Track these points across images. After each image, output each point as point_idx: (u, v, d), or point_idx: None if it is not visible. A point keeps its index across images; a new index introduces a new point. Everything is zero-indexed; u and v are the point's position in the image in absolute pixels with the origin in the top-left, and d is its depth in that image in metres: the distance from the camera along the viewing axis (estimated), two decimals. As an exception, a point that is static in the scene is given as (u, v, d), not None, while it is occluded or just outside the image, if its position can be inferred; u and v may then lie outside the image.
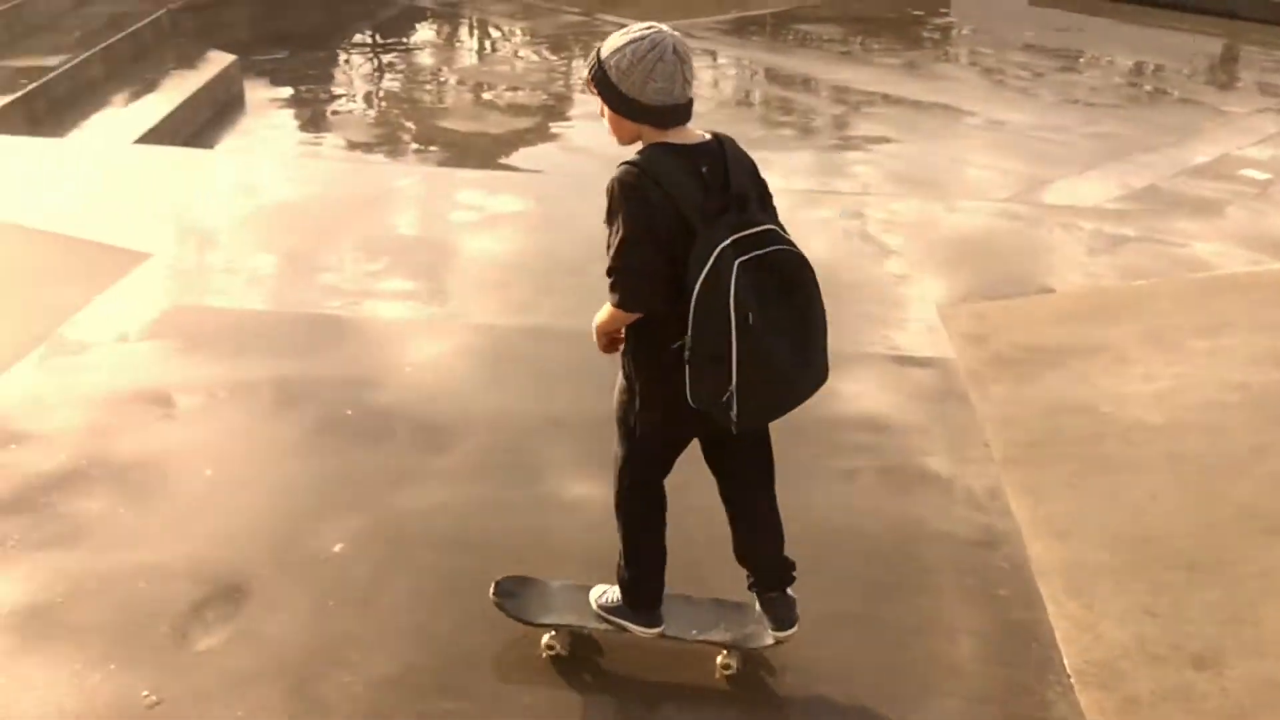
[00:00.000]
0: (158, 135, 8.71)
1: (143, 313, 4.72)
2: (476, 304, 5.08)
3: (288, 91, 11.31)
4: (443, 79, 12.65)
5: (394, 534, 3.31)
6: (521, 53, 13.89)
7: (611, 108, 2.44)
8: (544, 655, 2.85)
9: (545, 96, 11.63)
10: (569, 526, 3.38)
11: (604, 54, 2.41)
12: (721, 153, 2.43)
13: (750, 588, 2.78)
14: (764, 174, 2.51)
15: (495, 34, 15.14)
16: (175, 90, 9.89)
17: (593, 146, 9.39)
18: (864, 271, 5.59)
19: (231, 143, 9.76)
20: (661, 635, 2.82)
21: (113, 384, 4.15)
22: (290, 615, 2.97)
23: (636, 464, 2.69)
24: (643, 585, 2.79)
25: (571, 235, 5.72)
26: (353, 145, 9.58)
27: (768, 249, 2.34)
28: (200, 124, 9.68)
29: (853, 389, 4.28)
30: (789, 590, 2.76)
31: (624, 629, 2.82)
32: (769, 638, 2.77)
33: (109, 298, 4.83)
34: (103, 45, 10.30)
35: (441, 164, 9.18)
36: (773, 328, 2.34)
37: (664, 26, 2.41)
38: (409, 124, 10.46)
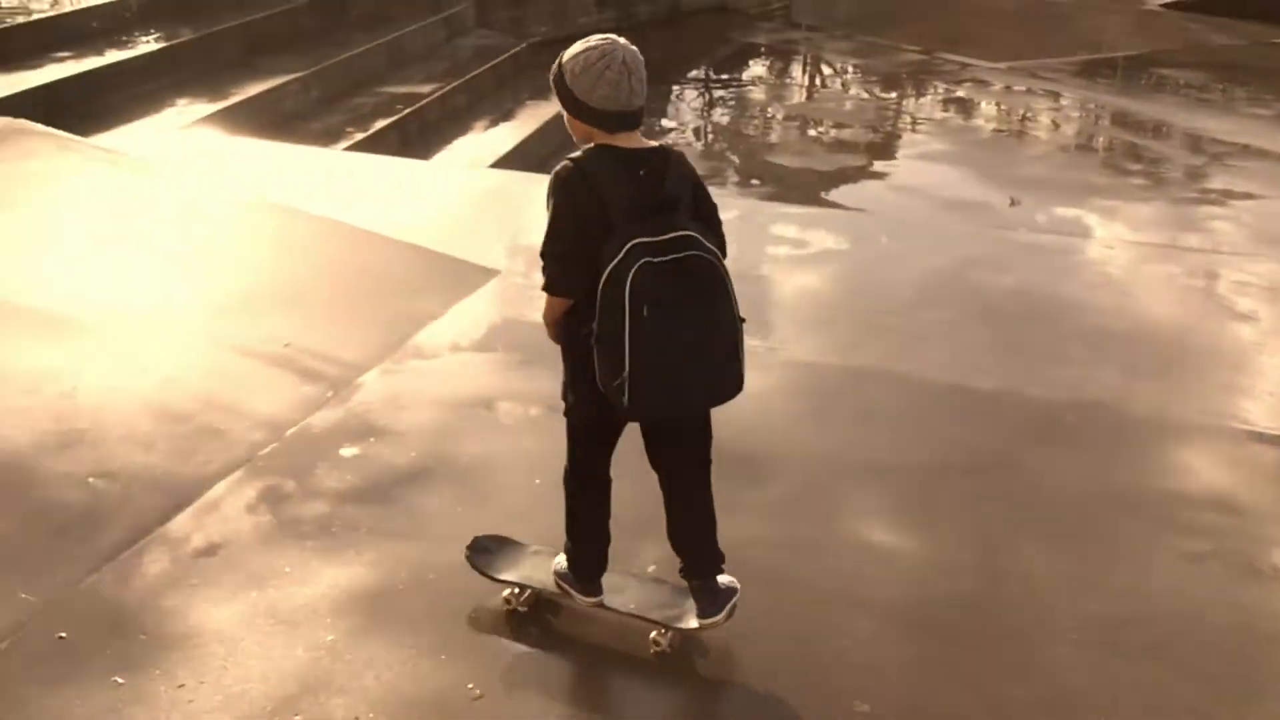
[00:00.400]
0: (511, 160, 9.37)
1: (489, 325, 5.09)
2: (798, 340, 5.10)
3: (627, 122, 11.83)
4: (771, 114, 12.83)
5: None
6: (853, 90, 13.87)
7: (565, 108, 2.67)
8: (504, 609, 3.14)
9: (874, 135, 11.54)
10: (876, 576, 3.32)
11: (564, 59, 2.62)
12: (664, 162, 2.63)
13: (680, 573, 2.96)
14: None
15: (828, 71, 15.19)
16: (529, 119, 10.61)
17: (922, 187, 9.22)
18: (1214, 336, 5.16)
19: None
20: (599, 605, 3.05)
21: (459, 389, 4.49)
22: (603, 626, 3.09)
23: (576, 445, 2.94)
24: (582, 558, 3.04)
25: (896, 276, 5.64)
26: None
27: (682, 253, 2.53)
28: (549, 151, 10.31)
29: (1199, 463, 3.95)
30: (721, 579, 2.92)
31: (568, 594, 3.07)
32: (694, 622, 2.94)
33: (461, 310, 5.23)
34: (468, 76, 11.21)
35: (765, 198, 9.31)
36: (670, 325, 2.52)
37: (619, 39, 2.62)
38: (734, 157, 10.69)
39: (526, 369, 4.67)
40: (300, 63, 10.19)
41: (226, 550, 3.40)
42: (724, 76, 14.48)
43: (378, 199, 7.11)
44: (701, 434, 2.88)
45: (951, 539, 3.42)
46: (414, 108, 10.04)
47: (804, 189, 9.63)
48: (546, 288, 2.68)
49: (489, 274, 5.67)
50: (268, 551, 3.39)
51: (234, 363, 4.59)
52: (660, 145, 2.68)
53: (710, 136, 11.65)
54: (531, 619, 3.15)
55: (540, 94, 11.45)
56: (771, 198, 9.32)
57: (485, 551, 3.24)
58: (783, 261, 6.06)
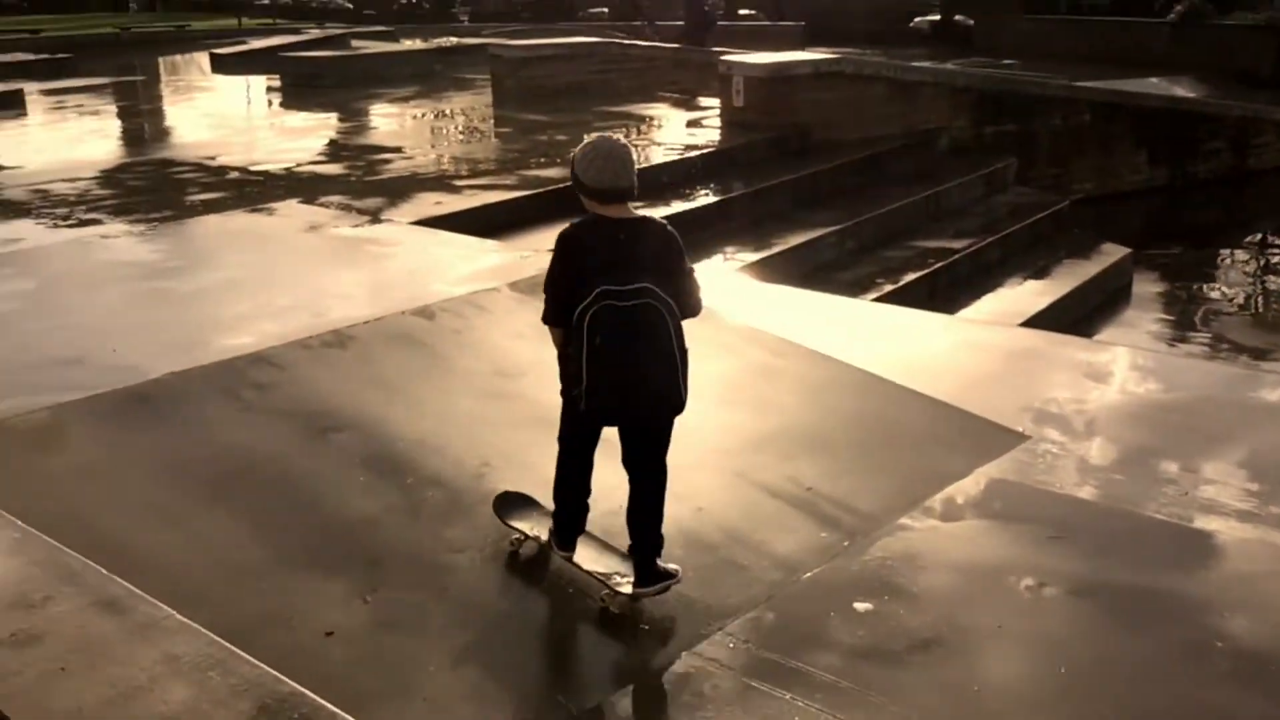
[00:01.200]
0: (1043, 319, 9.06)
1: (1016, 493, 4.87)
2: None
3: (1174, 287, 11.02)
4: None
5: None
6: None
7: (575, 188, 3.70)
8: (509, 548, 4.19)
9: None
10: None
11: (574, 153, 3.70)
12: (642, 228, 3.63)
13: (629, 549, 3.87)
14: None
15: None
16: (1066, 278, 10.25)
17: None
18: None
19: (1111, 334, 9.76)
20: (568, 559, 4.02)
21: (979, 557, 4.32)
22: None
23: (564, 433, 3.96)
24: (559, 521, 4.03)
25: None
26: (1235, 348, 8.98)
27: (635, 301, 3.44)
28: (1084, 312, 9.86)
29: None
30: (658, 563, 3.81)
31: (554, 550, 4.04)
32: (628, 589, 3.82)
33: (986, 472, 5.07)
34: (1003, 232, 11.09)
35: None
36: (617, 352, 3.46)
37: (612, 137, 3.70)
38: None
39: (1054, 545, 4.40)
40: (839, 216, 10.67)
41: (720, 687, 3.49)
42: (1291, 240, 13.08)
43: (903, 350, 7.15)
44: (655, 447, 3.82)
45: None
46: (945, 262, 10.08)
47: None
48: (544, 319, 3.79)
49: (1016, 437, 5.46)
50: (771, 693, 3.44)
51: (759, 500, 4.78)
52: (644, 216, 3.71)
53: (1259, 303, 10.49)
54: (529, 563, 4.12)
55: (1080, 252, 11.03)
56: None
57: (509, 504, 4.30)
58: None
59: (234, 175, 11.19)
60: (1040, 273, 10.60)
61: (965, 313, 9.59)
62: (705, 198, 10.61)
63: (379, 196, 9.92)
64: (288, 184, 10.66)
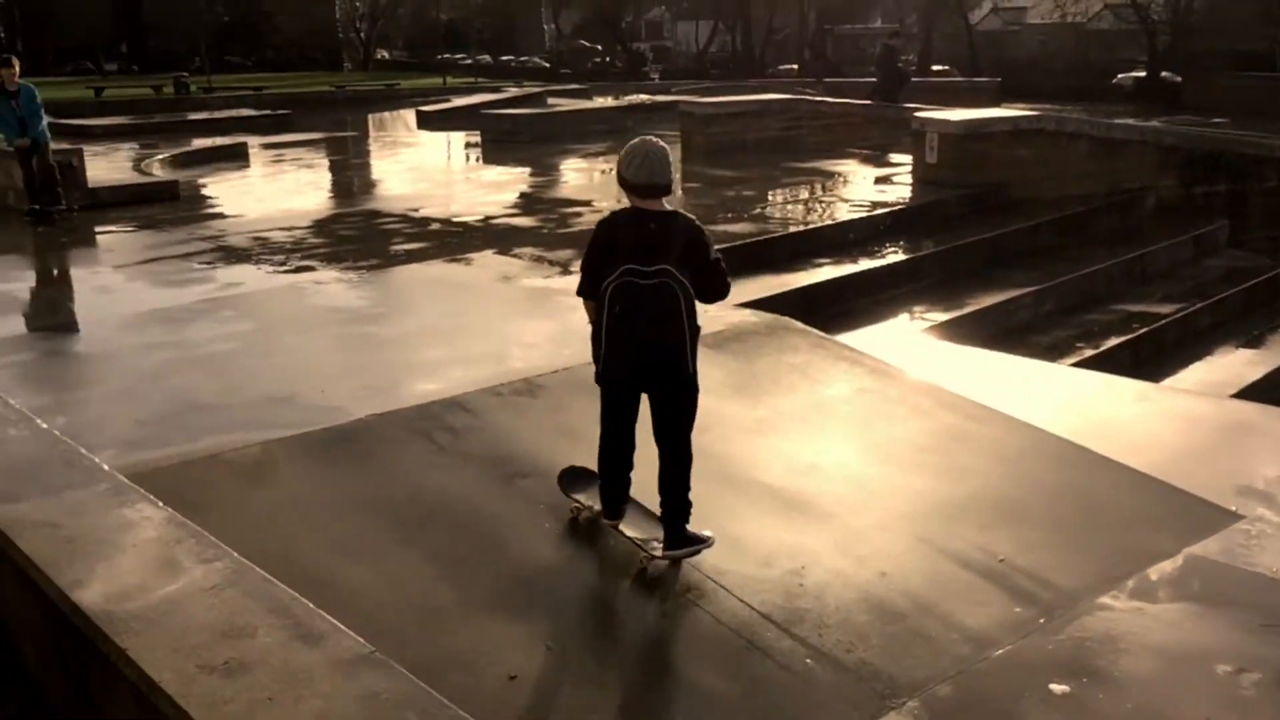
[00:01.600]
0: (1257, 391, 8.49)
1: (1228, 575, 4.56)
2: None
3: None
4: None
5: None
6: None
7: (619, 184, 4.25)
8: (570, 516, 4.71)
9: None
10: None
11: (625, 152, 4.22)
12: (671, 220, 4.16)
13: (660, 516, 4.35)
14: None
15: None
16: (1278, 347, 9.60)
17: None
18: None
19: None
20: (614, 526, 4.50)
21: (1187, 644, 4.05)
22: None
23: (603, 408, 4.40)
24: (604, 492, 4.53)
25: None
26: None
27: (655, 280, 4.02)
28: (1303, 385, 9.21)
29: None
30: (688, 528, 4.30)
31: (603, 520, 4.54)
32: (658, 550, 4.32)
33: (1195, 552, 4.77)
34: (1215, 297, 10.49)
35: None
36: (631, 319, 4.07)
37: (651, 139, 4.24)
38: None
39: (1266, 634, 4.08)
40: (1036, 276, 10.31)
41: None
42: None
43: (1104, 418, 6.82)
44: (674, 419, 4.31)
45: None
46: (1151, 327, 9.60)
47: None
48: (578, 292, 4.37)
49: (1227, 516, 5.12)
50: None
51: (948, 569, 4.62)
52: (675, 211, 4.23)
53: None
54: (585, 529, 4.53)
55: (1299, 321, 10.33)
56: None
57: (573, 476, 4.81)
58: None
59: (435, 226, 11.69)
60: (1254, 341, 9.96)
61: (1171, 381, 9.08)
62: (894, 255, 10.45)
63: (570, 249, 10.16)
64: (484, 235, 11.06)
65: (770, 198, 13.31)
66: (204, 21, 50.65)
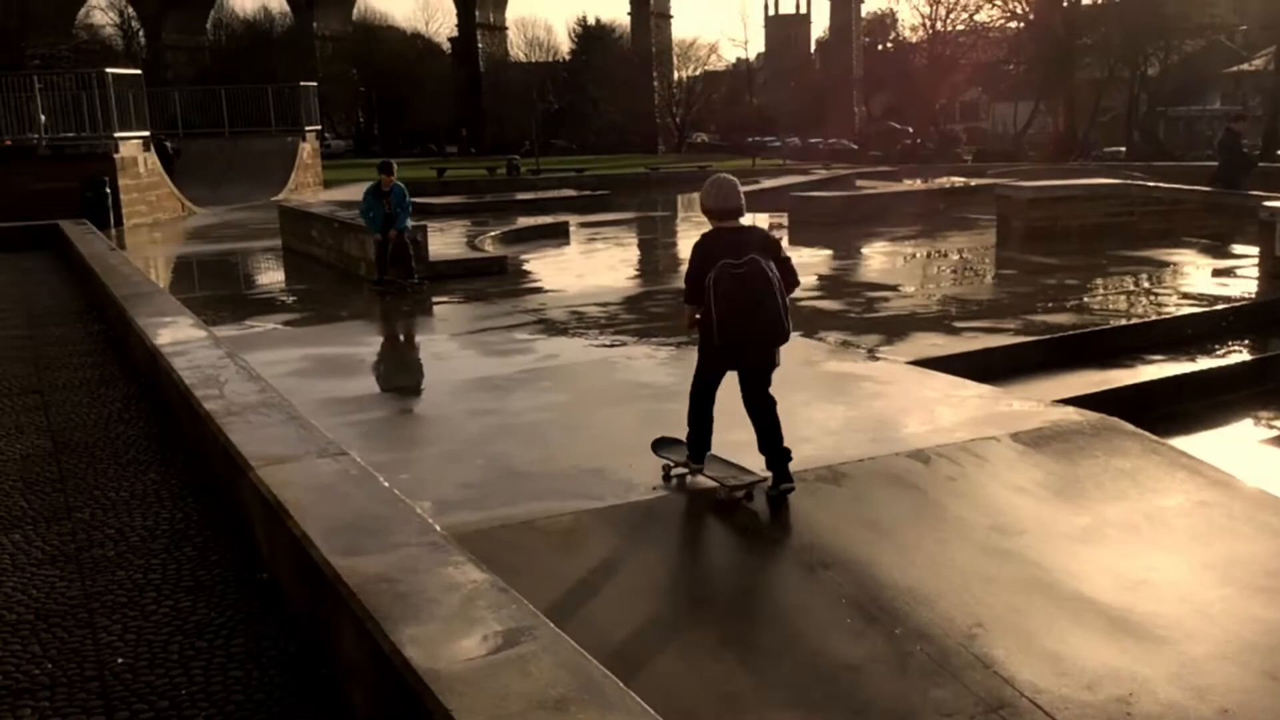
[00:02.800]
0: None
1: None
2: None
3: None
4: None
5: None
6: None
7: (703, 212, 5.60)
8: (662, 470, 5.85)
9: None
10: None
11: (703, 187, 5.64)
12: (748, 231, 5.57)
13: (765, 465, 5.61)
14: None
15: None
16: None
17: None
18: None
19: None
20: (701, 471, 5.74)
21: None
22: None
23: (700, 373, 5.70)
24: (694, 442, 5.76)
25: None
26: None
27: (746, 267, 5.29)
28: None
29: None
30: (784, 469, 5.55)
31: (690, 466, 5.77)
32: (745, 479, 5.66)
33: None
34: None
35: None
36: (737, 294, 5.28)
37: (724, 175, 5.74)
38: None
39: None
40: None
41: None
42: None
43: None
44: (761, 382, 5.60)
45: None
46: None
47: None
48: (685, 299, 5.56)
49: None
50: None
51: (1305, 715, 4.09)
52: (751, 225, 5.68)
53: None
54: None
55: None
56: None
57: (665, 443, 6.01)
58: None
59: (741, 306, 11.84)
60: None
61: None
62: (1237, 355, 9.58)
63: (875, 333, 10.01)
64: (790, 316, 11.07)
65: (1094, 287, 12.60)
66: (536, 109, 54.41)
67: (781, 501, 5.51)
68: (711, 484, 5.68)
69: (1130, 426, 6.73)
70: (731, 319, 5.28)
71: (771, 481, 5.55)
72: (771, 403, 5.59)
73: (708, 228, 5.58)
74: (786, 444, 5.60)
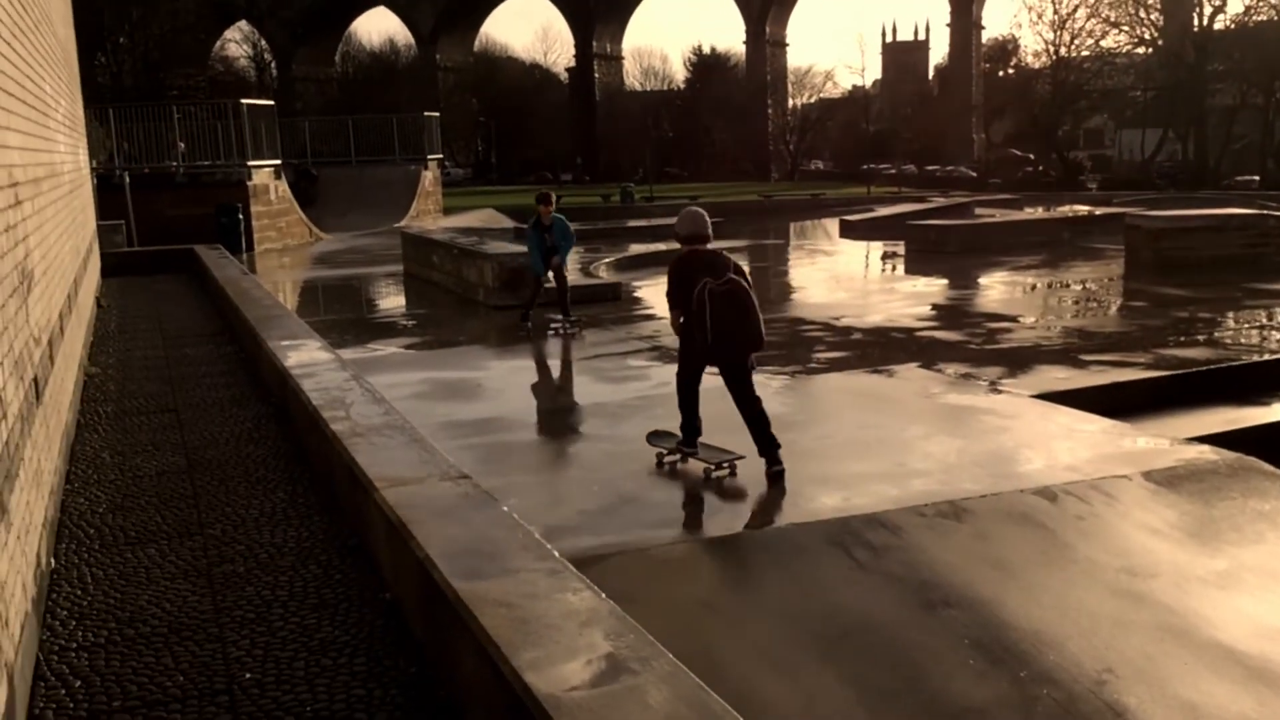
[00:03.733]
0: None
1: None
2: None
3: None
4: None
5: None
6: None
7: (674, 236, 6.84)
8: (656, 460, 6.77)
9: None
10: None
11: (678, 217, 6.88)
12: (716, 255, 6.53)
13: (758, 451, 6.49)
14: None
15: None
16: None
17: None
18: None
19: None
20: (694, 454, 6.65)
21: None
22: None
23: (684, 368, 6.73)
24: (687, 429, 6.69)
25: None
26: None
27: (728, 286, 6.31)
28: None
29: None
30: (774, 455, 6.44)
31: (683, 451, 6.72)
32: (728, 457, 6.61)
33: None
34: None
35: None
36: (721, 314, 6.30)
37: (692, 207, 7.34)
38: None
39: None
40: None
41: None
42: None
43: None
44: (741, 381, 6.51)
45: None
46: None
47: None
48: (669, 305, 6.63)
49: None
50: None
51: None
52: (718, 250, 6.66)
53: None
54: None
55: None
56: None
57: (657, 434, 6.90)
58: None
59: (856, 336, 11.70)
60: None
61: None
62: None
63: (997, 365, 9.78)
64: (906, 347, 10.91)
65: (1228, 321, 12.11)
66: (650, 137, 54.87)
67: (778, 479, 6.37)
68: (701, 466, 6.67)
69: (1269, 466, 6.42)
70: (725, 329, 6.33)
71: (766, 464, 6.45)
72: (757, 398, 6.53)
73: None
74: (904, 475, 5.66)
